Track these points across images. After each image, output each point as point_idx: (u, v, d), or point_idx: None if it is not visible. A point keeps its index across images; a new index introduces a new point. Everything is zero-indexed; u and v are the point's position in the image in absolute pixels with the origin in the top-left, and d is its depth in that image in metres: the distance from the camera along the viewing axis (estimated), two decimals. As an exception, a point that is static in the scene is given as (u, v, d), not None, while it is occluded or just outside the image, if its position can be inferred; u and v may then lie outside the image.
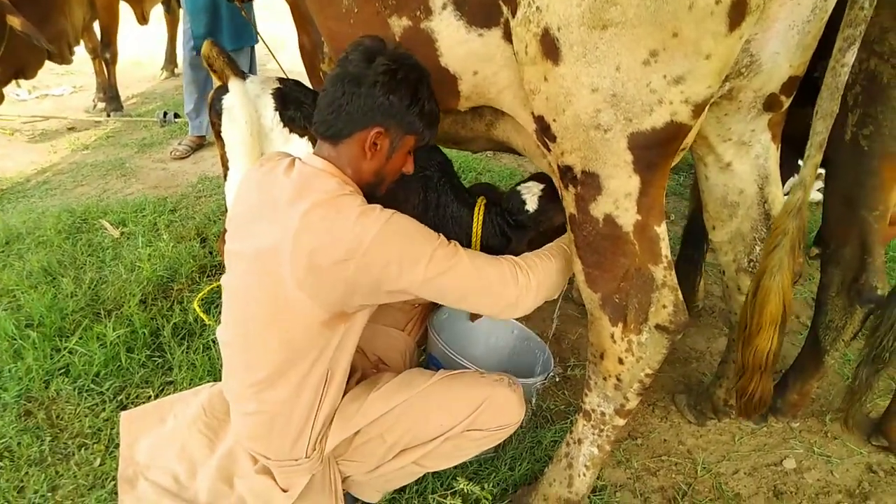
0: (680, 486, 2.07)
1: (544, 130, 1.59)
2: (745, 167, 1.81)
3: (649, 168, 1.48)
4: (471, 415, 1.68)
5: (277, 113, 2.31)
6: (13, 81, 6.14)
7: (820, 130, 1.49)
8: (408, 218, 1.54)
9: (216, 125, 2.38)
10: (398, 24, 1.77)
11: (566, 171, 1.58)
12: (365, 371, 1.93)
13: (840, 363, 2.58)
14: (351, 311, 1.55)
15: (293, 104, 2.31)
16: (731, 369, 2.14)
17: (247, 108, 2.29)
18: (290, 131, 2.30)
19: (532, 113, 1.62)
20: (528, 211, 1.92)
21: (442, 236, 1.57)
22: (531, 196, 1.94)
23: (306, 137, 2.29)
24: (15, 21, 3.69)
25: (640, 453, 2.20)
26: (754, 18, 1.34)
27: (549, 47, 1.42)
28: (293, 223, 1.48)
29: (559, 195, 1.93)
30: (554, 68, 1.44)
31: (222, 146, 2.39)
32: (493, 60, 1.66)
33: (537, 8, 1.41)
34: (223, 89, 2.35)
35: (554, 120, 1.53)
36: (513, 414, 1.74)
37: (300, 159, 1.63)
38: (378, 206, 1.51)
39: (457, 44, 1.68)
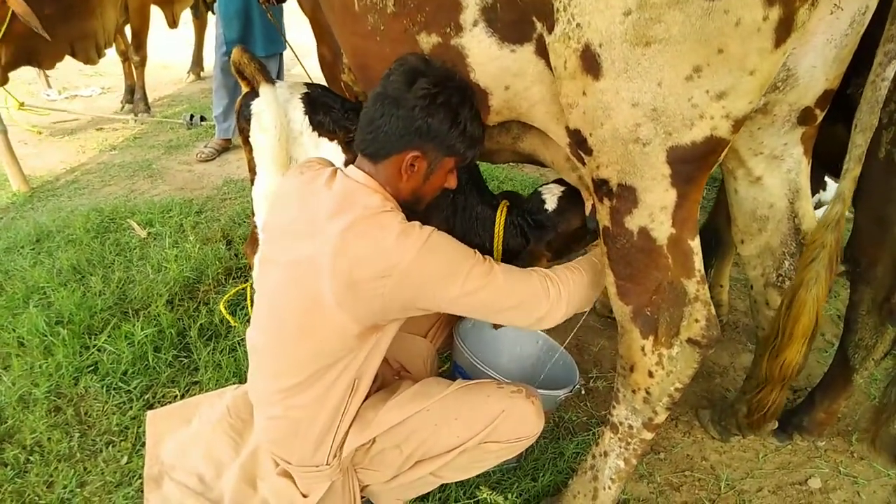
0: (703, 502, 2.06)
1: (580, 144, 1.59)
2: (775, 181, 1.81)
3: (686, 182, 1.49)
4: (487, 427, 1.67)
5: (307, 117, 2.33)
6: (44, 80, 6.31)
7: (859, 143, 1.49)
8: (446, 236, 1.54)
9: (245, 130, 2.41)
10: (427, 41, 1.78)
11: (601, 185, 1.59)
12: (386, 378, 1.93)
13: (867, 382, 2.55)
14: (384, 323, 1.57)
15: (322, 109, 2.33)
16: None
17: (277, 113, 2.32)
18: (319, 135, 2.32)
19: (567, 127, 1.62)
20: (546, 210, 2.00)
21: (478, 253, 1.58)
22: (551, 196, 2.02)
23: (335, 142, 2.32)
24: (14, 3, 3.64)
25: (663, 468, 2.19)
26: (799, 35, 1.34)
27: (590, 63, 1.42)
28: (333, 239, 1.48)
29: (578, 199, 1.95)
30: (594, 83, 1.44)
31: (250, 151, 2.42)
32: (525, 76, 1.68)
33: (578, 24, 1.41)
34: (252, 94, 2.38)
35: (591, 134, 1.53)
36: (531, 426, 1.72)
37: (342, 171, 1.64)
38: (417, 224, 1.52)
39: (488, 60, 1.69)
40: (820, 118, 1.67)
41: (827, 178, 3.07)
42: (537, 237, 2.02)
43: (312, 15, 2.63)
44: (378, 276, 1.45)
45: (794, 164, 1.77)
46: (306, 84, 2.44)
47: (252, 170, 2.46)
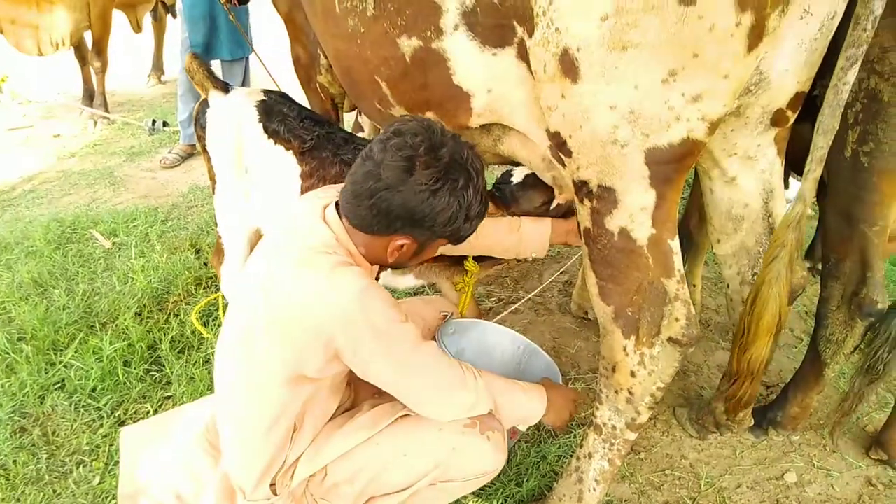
0: (684, 500, 2.08)
1: (560, 146, 1.60)
2: (750, 181, 1.84)
3: (665, 182, 1.51)
4: (436, 467, 1.60)
5: (261, 125, 2.29)
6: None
7: (821, 145, 1.53)
8: (384, 292, 1.46)
9: (202, 138, 2.37)
10: (408, 45, 1.78)
11: (581, 186, 1.60)
12: (359, 397, 1.85)
13: (837, 377, 2.61)
14: (312, 376, 1.48)
15: (277, 116, 2.28)
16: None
17: (228, 121, 2.28)
18: (275, 143, 2.28)
19: (547, 129, 1.64)
20: (511, 182, 2.10)
21: (410, 323, 1.49)
22: (519, 173, 2.12)
23: (291, 151, 2.27)
24: None
25: (643, 468, 2.20)
26: (770, 39, 1.37)
27: (569, 67, 1.44)
28: (275, 270, 1.47)
29: (545, 188, 2.00)
30: (572, 86, 1.46)
31: (209, 159, 2.38)
32: (506, 79, 1.68)
33: (557, 29, 1.43)
34: (208, 102, 2.34)
35: (570, 136, 1.55)
36: (486, 462, 1.64)
37: (332, 210, 1.56)
38: (357, 271, 1.44)
39: (469, 63, 1.70)
40: (792, 120, 1.70)
41: (791, 178, 3.14)
42: (499, 206, 2.08)
43: (288, 15, 2.59)
44: (303, 312, 1.40)
45: (767, 164, 1.80)
46: (263, 91, 2.40)
47: (212, 178, 2.42)
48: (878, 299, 1.89)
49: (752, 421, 2.27)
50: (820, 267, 2.33)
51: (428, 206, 1.43)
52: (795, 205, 1.55)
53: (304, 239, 1.49)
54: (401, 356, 1.45)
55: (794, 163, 1.92)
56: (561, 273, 3.36)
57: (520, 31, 1.56)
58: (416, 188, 1.41)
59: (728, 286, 2.04)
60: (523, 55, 1.60)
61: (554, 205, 2.01)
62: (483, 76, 1.71)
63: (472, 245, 1.90)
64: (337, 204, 1.55)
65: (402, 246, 1.51)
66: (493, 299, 3.15)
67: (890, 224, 1.86)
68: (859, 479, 2.19)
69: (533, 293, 3.10)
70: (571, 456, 2.16)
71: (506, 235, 1.99)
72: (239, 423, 1.61)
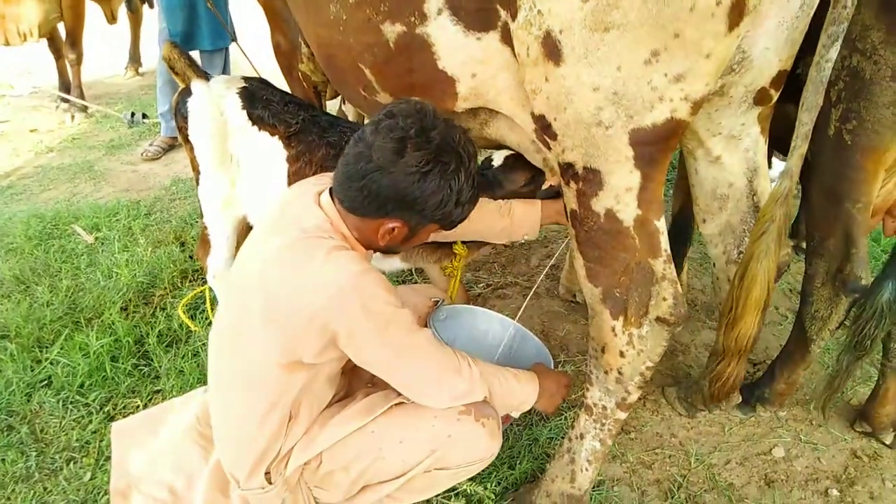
0: (675, 478, 2.11)
1: (545, 129, 1.60)
2: (734, 160, 1.85)
3: (649, 163, 1.51)
4: (432, 454, 1.60)
5: (245, 112, 2.27)
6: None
7: (805, 122, 1.53)
8: (381, 277, 1.46)
9: (183, 129, 2.34)
10: (392, 31, 1.77)
11: (567, 168, 1.60)
12: (352, 388, 1.85)
13: (821, 352, 2.65)
14: (308, 361, 1.49)
15: (261, 102, 2.27)
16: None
17: (211, 110, 2.25)
18: (259, 129, 2.26)
19: (532, 112, 1.63)
20: (492, 165, 2.12)
21: (407, 309, 1.49)
22: (499, 156, 2.14)
23: (276, 137, 2.26)
24: None
25: (634, 447, 2.23)
26: (751, 18, 1.37)
27: (551, 49, 1.44)
28: (268, 254, 1.47)
29: (526, 164, 2.01)
30: (555, 69, 1.46)
31: (191, 150, 2.35)
32: (491, 63, 1.68)
33: (539, 11, 1.43)
34: (188, 91, 2.31)
35: (555, 118, 1.55)
36: (482, 449, 1.63)
37: (326, 195, 1.56)
38: (355, 256, 1.45)
39: (454, 48, 1.69)
40: (775, 98, 1.72)
41: (774, 158, 3.17)
42: (483, 191, 2.06)
43: (267, 2, 2.56)
44: (298, 296, 1.40)
45: (751, 143, 1.81)
46: (244, 78, 2.38)
47: (195, 169, 2.39)
48: (862, 275, 1.91)
49: (741, 398, 2.31)
50: (804, 245, 2.35)
51: (418, 189, 1.43)
52: (782, 180, 1.56)
53: (299, 223, 1.49)
54: (396, 341, 1.45)
55: (778, 142, 1.93)
56: (548, 258, 3.37)
57: (503, 14, 1.55)
58: (407, 170, 1.41)
59: (714, 265, 2.06)
60: (507, 39, 1.59)
61: (545, 186, 2.00)
62: (467, 60, 1.70)
63: (464, 230, 1.90)
64: (331, 189, 1.55)
65: (392, 229, 1.51)
66: (482, 285, 3.15)
67: (873, 200, 1.88)
68: (845, 451, 2.23)
69: (546, 274, 3.10)
70: (563, 438, 2.19)
71: (497, 219, 1.99)
72: (233, 411, 1.60)
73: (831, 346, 2.61)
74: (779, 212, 1.58)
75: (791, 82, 1.71)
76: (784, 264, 1.92)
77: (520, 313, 2.37)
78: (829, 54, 1.48)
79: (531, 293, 2.54)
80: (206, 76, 2.33)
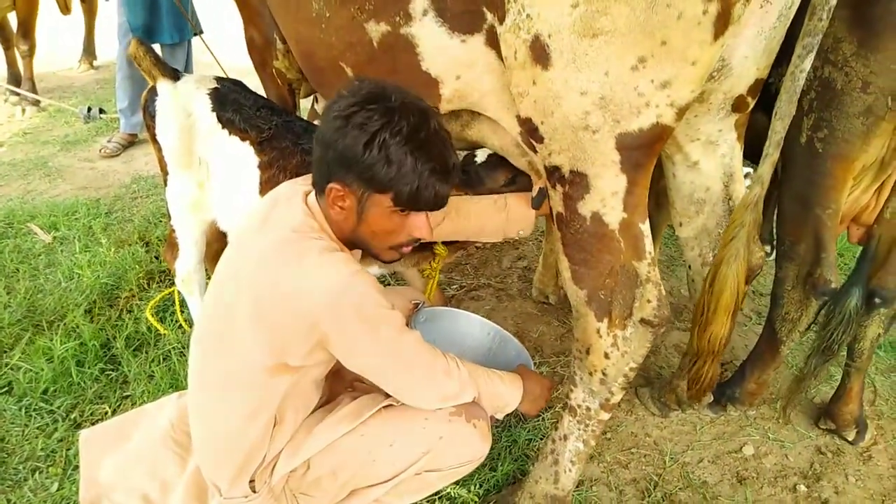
0: (651, 477, 2.15)
1: (531, 132, 1.61)
2: (711, 166, 1.89)
3: (635, 167, 1.54)
4: (424, 455, 1.58)
5: (214, 114, 2.20)
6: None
7: (778, 130, 1.58)
8: (370, 278, 1.44)
9: (151, 128, 2.27)
10: (376, 30, 1.75)
11: (554, 171, 1.61)
12: (334, 392, 1.81)
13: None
14: (295, 364, 1.46)
15: (231, 105, 2.20)
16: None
17: (177, 110, 2.19)
18: (230, 133, 2.20)
19: (518, 115, 1.64)
20: (475, 162, 2.10)
21: (397, 311, 1.47)
22: (482, 154, 2.11)
23: (247, 142, 2.20)
24: None
25: (610, 447, 2.26)
26: (736, 28, 1.41)
27: (539, 53, 1.45)
28: (254, 254, 1.44)
29: (508, 167, 2.00)
30: (543, 73, 1.47)
31: (160, 150, 2.28)
32: (475, 66, 1.68)
33: (528, 16, 1.44)
34: (155, 91, 2.24)
35: (542, 122, 1.56)
36: (473, 450, 1.63)
37: (313, 195, 1.53)
38: (344, 256, 1.42)
39: (438, 50, 1.69)
40: (751, 105, 1.76)
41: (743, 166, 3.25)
42: (464, 184, 2.06)
43: (238, -8, 2.50)
44: (288, 297, 1.37)
45: (728, 149, 1.85)
46: (216, 78, 2.31)
47: (163, 169, 2.32)
48: (832, 279, 1.98)
49: (712, 398, 2.37)
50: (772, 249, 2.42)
51: (341, 137, 1.35)
52: (753, 187, 1.61)
53: (288, 222, 1.46)
54: (387, 343, 1.44)
55: (749, 151, 1.99)
56: (519, 259, 3.39)
57: (489, 17, 1.56)
58: (331, 116, 1.37)
59: (690, 268, 2.10)
60: (492, 42, 1.60)
61: (535, 189, 1.97)
62: (452, 63, 1.70)
63: (461, 228, 1.88)
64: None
65: (340, 199, 1.41)
66: (455, 286, 3.15)
67: (841, 207, 1.95)
68: (810, 448, 2.31)
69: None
70: (542, 439, 2.21)
71: (494, 215, 1.96)
72: (215, 416, 1.56)
73: (795, 347, 2.70)
74: (748, 217, 1.63)
75: (763, 92, 1.76)
76: (757, 267, 1.97)
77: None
78: (803, 65, 1.52)
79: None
80: (174, 75, 2.25)
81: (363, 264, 2.22)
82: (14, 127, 5.01)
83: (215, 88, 2.24)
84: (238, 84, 2.33)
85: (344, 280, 1.37)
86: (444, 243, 2.20)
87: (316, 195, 1.51)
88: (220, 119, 2.19)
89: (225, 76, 2.40)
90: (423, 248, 2.23)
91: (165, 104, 2.19)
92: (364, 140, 1.33)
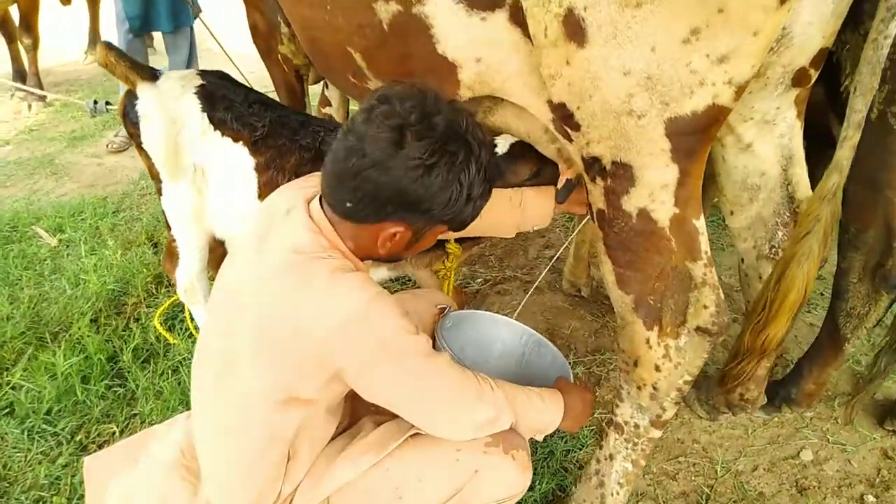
0: (702, 488, 1.98)
1: (565, 119, 1.43)
2: (767, 147, 1.70)
3: (688, 156, 1.37)
4: (457, 493, 1.41)
5: (205, 115, 2.03)
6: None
7: (859, 108, 1.42)
8: (390, 299, 1.28)
9: (135, 136, 2.10)
10: (386, 10, 1.59)
11: (593, 163, 1.44)
12: (357, 413, 1.64)
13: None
14: (306, 396, 1.30)
15: (222, 103, 2.04)
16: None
17: (162, 115, 2.01)
18: (223, 135, 2.03)
19: (549, 101, 1.47)
20: (496, 154, 1.95)
21: (420, 331, 1.31)
22: (504, 143, 1.97)
23: (241, 142, 2.03)
24: None
25: (656, 456, 2.08)
26: (803, -13, 1.21)
27: (574, 28, 1.28)
28: (258, 278, 1.28)
29: (531, 152, 1.83)
30: (579, 51, 1.30)
31: (148, 158, 2.11)
32: (498, 46, 1.51)
33: None
34: (134, 94, 2.06)
35: (578, 107, 1.39)
36: (512, 485, 1.46)
37: (316, 202, 1.36)
38: (360, 276, 1.26)
39: (456, 29, 1.52)
40: (814, 79, 1.57)
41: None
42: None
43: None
44: (297, 328, 1.22)
45: (787, 128, 1.67)
46: (200, 73, 2.13)
47: (155, 178, 2.16)
48: (904, 270, 1.78)
49: (765, 399, 2.18)
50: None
51: (422, 186, 1.22)
52: (831, 175, 1.43)
53: (290, 240, 1.28)
54: (413, 374, 1.27)
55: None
56: (547, 248, 3.21)
57: None
58: (408, 164, 1.20)
59: (742, 261, 1.92)
60: (517, 19, 1.43)
61: (561, 181, 1.80)
62: (471, 44, 1.53)
63: (473, 226, 1.72)
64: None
65: (394, 235, 1.30)
66: (479, 280, 2.98)
67: (917, 190, 1.74)
68: (875, 452, 2.12)
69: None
70: (581, 449, 2.05)
71: (509, 212, 1.79)
72: (221, 451, 1.41)
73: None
74: (826, 210, 1.46)
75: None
76: (822, 261, 1.78)
77: (518, 309, 2.21)
78: (888, 30, 1.34)
79: (532, 288, 2.38)
80: (153, 75, 2.07)
81: (369, 267, 2.07)
82: (20, 124, 4.91)
83: (202, 86, 2.06)
84: (224, 76, 2.16)
85: (360, 307, 1.20)
86: (457, 240, 2.03)
87: (331, 211, 1.32)
88: (211, 120, 2.03)
89: (226, 66, 2.22)
90: (435, 248, 2.05)
91: (148, 108, 2.02)
92: (451, 189, 1.26)
